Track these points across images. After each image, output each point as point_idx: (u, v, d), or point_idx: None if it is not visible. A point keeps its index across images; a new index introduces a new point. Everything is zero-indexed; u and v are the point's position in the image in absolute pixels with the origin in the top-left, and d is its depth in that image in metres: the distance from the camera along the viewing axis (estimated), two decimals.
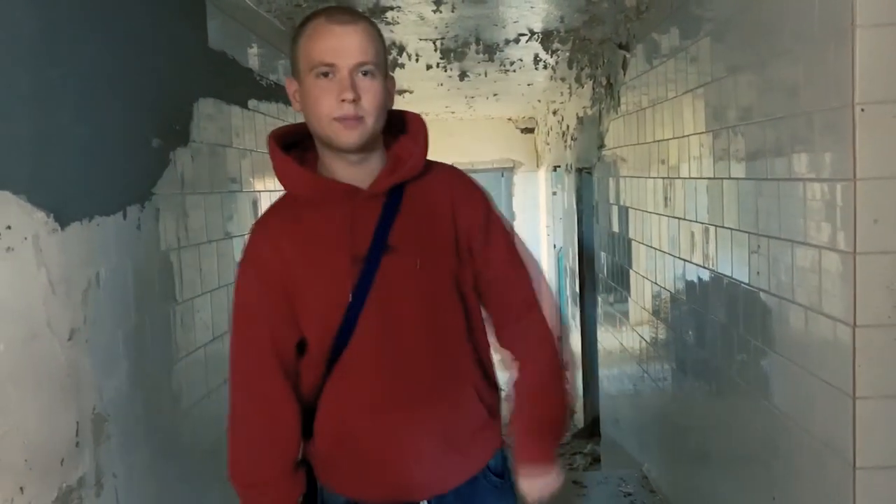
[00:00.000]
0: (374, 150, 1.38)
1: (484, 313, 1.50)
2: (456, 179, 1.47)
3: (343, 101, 1.29)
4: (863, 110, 1.58)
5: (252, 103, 2.92)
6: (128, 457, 1.82)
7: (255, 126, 2.94)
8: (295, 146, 1.44)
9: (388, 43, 3.89)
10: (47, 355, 1.52)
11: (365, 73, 1.31)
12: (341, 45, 1.29)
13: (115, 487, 1.74)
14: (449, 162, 1.54)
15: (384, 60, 1.37)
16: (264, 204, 3.02)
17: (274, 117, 3.22)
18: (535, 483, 1.47)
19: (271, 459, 1.43)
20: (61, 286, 1.57)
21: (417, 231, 1.39)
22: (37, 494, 1.45)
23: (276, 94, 3.27)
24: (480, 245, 1.44)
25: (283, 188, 1.44)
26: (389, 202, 1.38)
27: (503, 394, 1.54)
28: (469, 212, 1.44)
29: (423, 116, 1.48)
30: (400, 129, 1.45)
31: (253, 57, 2.97)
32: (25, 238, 1.45)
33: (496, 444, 1.51)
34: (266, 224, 1.44)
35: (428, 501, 1.44)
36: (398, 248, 1.37)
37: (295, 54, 1.36)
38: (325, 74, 1.30)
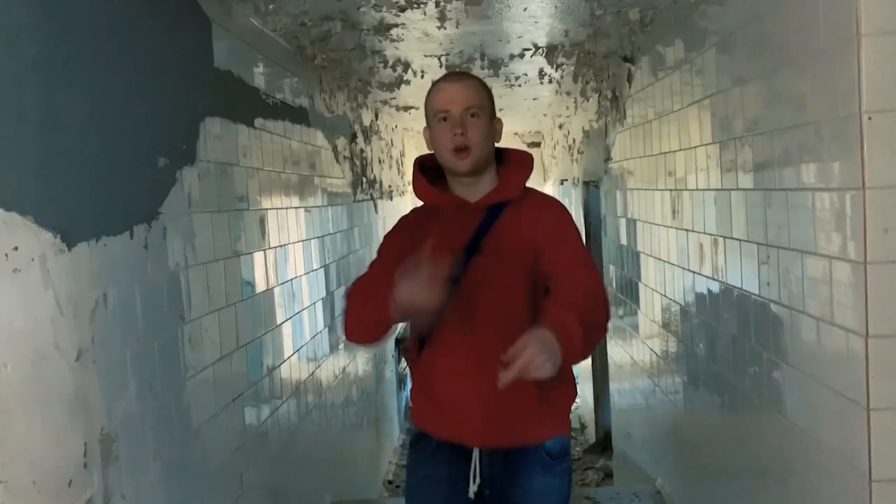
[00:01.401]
0: (483, 174, 1.86)
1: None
2: (549, 204, 1.93)
3: (455, 134, 1.77)
4: (870, 119, 1.57)
5: (259, 122, 2.93)
6: (137, 478, 1.81)
7: (261, 145, 2.95)
8: (437, 169, 1.91)
9: (392, 60, 3.92)
10: (55, 376, 1.52)
11: (472, 115, 1.79)
12: (453, 96, 1.79)
13: None
14: None
15: (489, 106, 1.84)
16: (272, 222, 3.03)
17: (281, 135, 3.23)
18: (537, 348, 1.52)
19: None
20: (69, 307, 1.57)
21: (505, 241, 1.82)
22: None
23: (283, 112, 3.29)
24: (556, 252, 1.81)
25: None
26: (489, 216, 1.84)
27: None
28: (549, 228, 1.84)
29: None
30: (515, 161, 1.91)
31: (259, 76, 2.99)
32: (32, 259, 1.46)
33: (559, 431, 1.88)
34: (406, 216, 1.99)
35: (480, 450, 1.83)
36: (486, 251, 1.81)
37: (426, 109, 1.87)
38: (444, 119, 1.80)
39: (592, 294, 1.76)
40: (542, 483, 1.84)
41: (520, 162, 1.92)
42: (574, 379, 1.95)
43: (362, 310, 1.78)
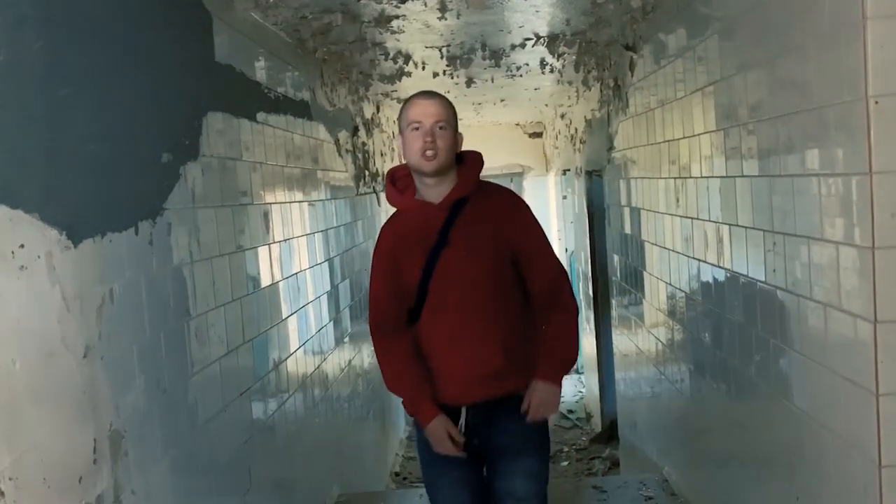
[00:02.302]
0: (445, 176, 2.17)
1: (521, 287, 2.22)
2: (503, 195, 2.28)
3: (426, 141, 2.11)
4: (877, 103, 1.56)
5: (261, 116, 2.93)
6: (146, 473, 1.81)
7: (264, 139, 2.95)
8: (405, 178, 2.25)
9: (393, 52, 3.91)
10: (63, 373, 1.52)
11: (440, 128, 2.13)
12: (426, 111, 2.14)
13: None
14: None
15: (454, 122, 2.19)
16: (276, 216, 3.03)
17: (283, 129, 3.23)
18: (541, 397, 2.17)
19: (414, 368, 2.25)
20: (75, 303, 1.57)
21: (468, 232, 2.16)
22: None
23: (285, 106, 3.28)
24: (519, 241, 2.20)
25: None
26: (451, 213, 2.17)
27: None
28: (511, 220, 2.21)
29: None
30: (469, 162, 2.23)
31: (260, 70, 2.98)
32: (39, 256, 1.46)
33: (525, 382, 2.21)
34: (386, 225, 2.31)
35: (466, 406, 2.20)
36: (453, 243, 2.16)
37: (400, 121, 2.20)
38: (417, 128, 2.13)
39: (562, 300, 2.26)
40: (520, 425, 2.20)
41: (472, 161, 2.25)
42: (528, 331, 2.27)
43: (400, 389, 2.29)
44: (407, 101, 2.22)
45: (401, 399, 2.30)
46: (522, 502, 2.24)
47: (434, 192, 2.18)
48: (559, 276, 2.28)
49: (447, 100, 2.22)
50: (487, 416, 2.21)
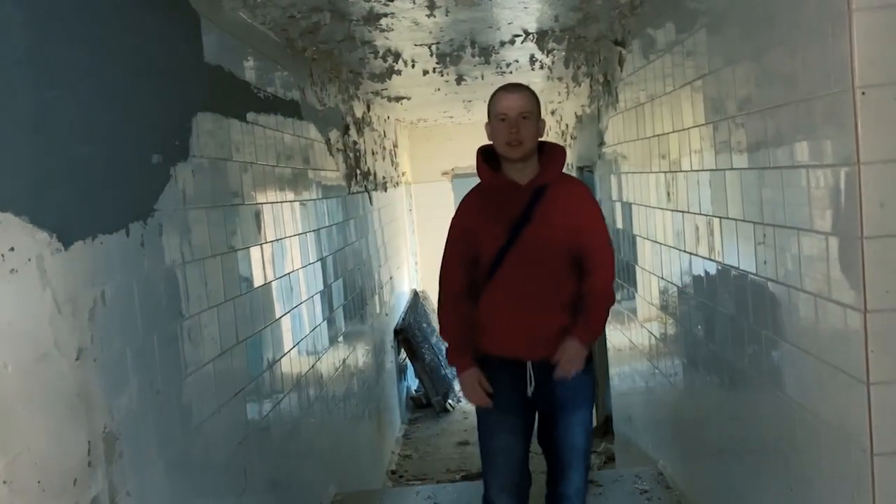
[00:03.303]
0: (529, 161, 2.47)
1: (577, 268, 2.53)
2: (578, 189, 2.61)
3: (511, 132, 2.40)
4: (864, 94, 1.57)
5: (251, 116, 2.92)
6: (141, 474, 1.81)
7: (254, 139, 2.94)
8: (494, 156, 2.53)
9: (382, 50, 3.90)
10: (56, 376, 1.52)
11: (524, 118, 2.41)
12: (511, 104, 2.43)
13: None
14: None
15: (537, 111, 2.47)
16: (267, 216, 3.02)
17: (273, 129, 3.22)
18: (569, 353, 2.45)
19: (463, 328, 2.57)
20: (67, 306, 1.56)
21: (549, 213, 2.46)
22: None
23: (275, 106, 3.28)
24: (585, 228, 2.51)
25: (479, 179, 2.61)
26: (535, 194, 2.47)
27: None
28: (580, 211, 2.53)
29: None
30: (553, 153, 2.55)
31: (250, 70, 2.97)
32: (29, 259, 1.45)
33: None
34: (468, 196, 2.61)
35: (532, 362, 2.50)
36: (534, 221, 2.46)
37: (489, 110, 2.49)
38: (503, 119, 2.42)
39: (606, 279, 2.56)
40: (576, 381, 2.49)
41: (556, 153, 2.56)
42: None
43: (448, 349, 2.62)
44: (495, 93, 2.50)
45: (449, 361, 2.66)
46: (575, 450, 2.55)
47: (519, 174, 2.48)
48: (608, 261, 2.59)
49: (531, 91, 2.48)
50: (548, 373, 2.47)
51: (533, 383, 2.49)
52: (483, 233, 2.49)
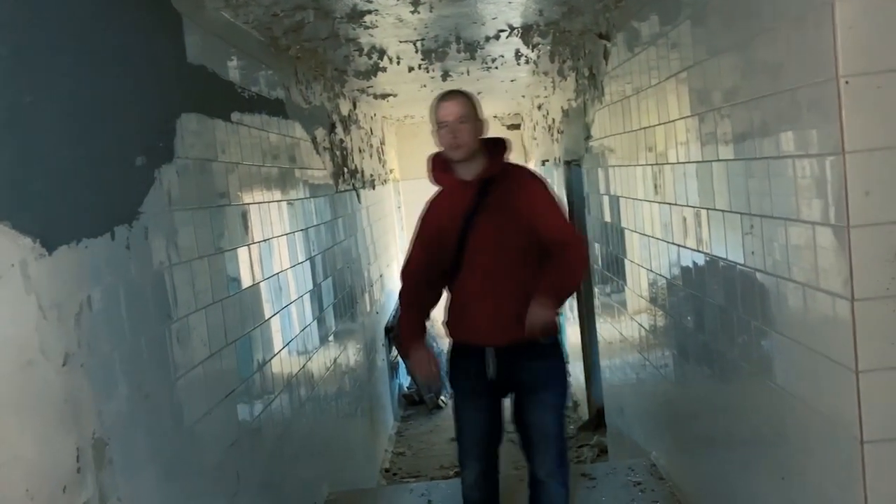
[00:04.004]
0: (474, 159, 2.67)
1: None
2: (524, 174, 2.80)
3: (452, 137, 2.61)
4: (847, 83, 1.57)
5: (235, 116, 2.90)
6: (132, 480, 1.80)
7: (239, 139, 2.92)
8: (446, 161, 2.73)
9: (367, 48, 3.89)
10: (43, 382, 1.50)
11: (462, 122, 2.61)
12: (449, 111, 2.63)
13: None
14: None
15: (475, 112, 2.67)
16: (254, 217, 3.01)
17: (258, 129, 3.20)
18: (533, 313, 2.49)
19: (414, 313, 2.83)
20: (52, 311, 1.55)
21: (496, 203, 2.64)
22: None
23: (260, 105, 3.26)
24: (535, 210, 2.65)
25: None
26: (482, 187, 2.66)
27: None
28: (528, 192, 2.68)
29: (508, 137, 2.84)
30: (496, 146, 2.74)
31: (233, 70, 2.95)
32: (12, 265, 1.44)
33: (546, 332, 2.57)
34: (432, 199, 2.81)
35: (494, 348, 2.65)
36: (483, 212, 2.64)
37: (431, 118, 2.69)
38: (443, 125, 2.63)
39: (570, 242, 2.65)
40: (541, 366, 2.68)
41: (499, 146, 2.74)
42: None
43: (401, 334, 2.89)
44: (434, 103, 2.70)
45: (398, 345, 3.03)
46: (544, 433, 2.68)
47: (466, 171, 2.69)
48: (565, 225, 2.72)
49: (467, 96, 2.69)
50: (510, 358, 2.65)
51: (493, 367, 2.65)
52: (442, 230, 2.69)
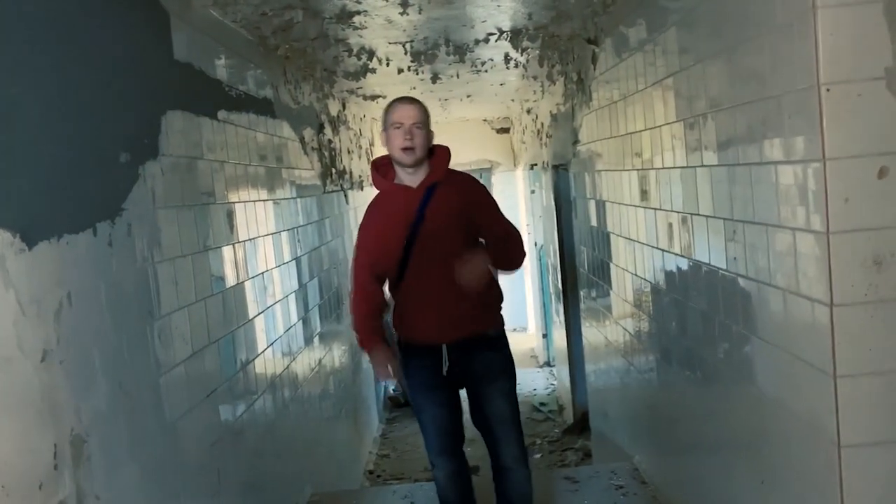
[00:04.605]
0: (420, 166, 2.74)
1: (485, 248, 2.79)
2: (466, 180, 2.87)
3: (405, 139, 2.66)
4: (828, 90, 1.59)
5: (222, 115, 2.90)
6: (111, 478, 1.78)
7: (226, 138, 2.92)
8: (386, 166, 2.81)
9: (356, 48, 3.89)
10: (20, 378, 1.49)
11: (417, 127, 2.68)
12: (406, 114, 2.69)
13: None
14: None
15: (428, 122, 2.75)
16: (240, 216, 3.00)
17: (246, 128, 3.19)
18: (477, 260, 2.69)
19: (370, 318, 2.87)
20: (31, 307, 1.54)
21: (440, 209, 2.71)
22: None
23: (247, 104, 3.25)
24: (480, 213, 2.80)
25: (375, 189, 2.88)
26: (426, 194, 2.72)
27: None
28: (472, 197, 2.81)
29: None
30: (439, 154, 2.81)
31: (221, 68, 2.95)
32: None
33: (492, 325, 2.85)
34: (370, 206, 2.87)
35: (446, 345, 2.75)
36: (428, 218, 2.70)
37: (384, 119, 2.76)
38: (398, 127, 2.68)
39: (512, 233, 2.86)
40: (492, 356, 2.81)
41: (442, 153, 2.82)
42: (499, 288, 2.88)
43: (357, 336, 2.93)
44: (390, 105, 2.75)
45: (359, 344, 2.96)
46: (503, 420, 2.80)
47: (411, 178, 2.74)
48: (508, 223, 2.88)
49: (423, 104, 2.77)
50: (463, 352, 2.76)
51: (447, 363, 2.75)
52: (386, 237, 2.74)
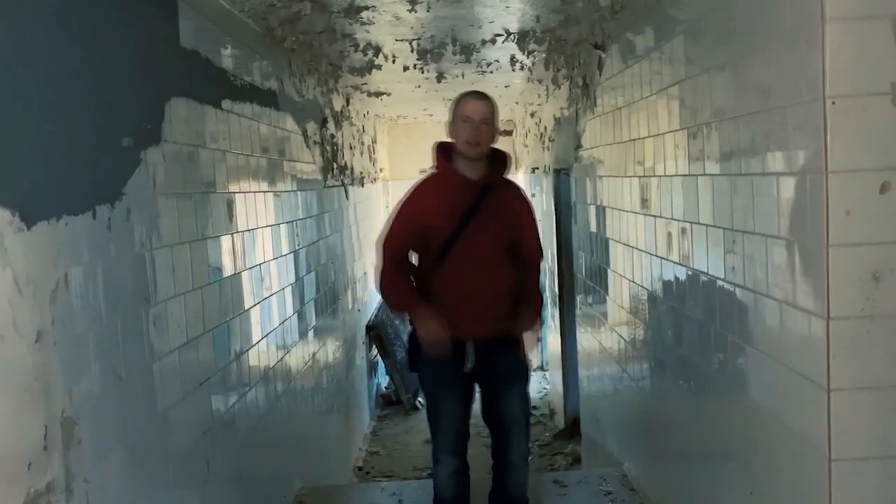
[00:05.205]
0: (482, 161, 2.84)
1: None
2: (518, 191, 3.06)
3: (473, 133, 2.77)
4: (833, 103, 1.59)
5: (226, 104, 2.89)
6: (100, 461, 1.78)
7: (229, 127, 2.91)
8: (449, 151, 2.90)
9: (363, 44, 3.89)
10: (13, 357, 1.48)
11: (485, 123, 2.79)
12: (476, 109, 2.79)
13: (87, 492, 1.70)
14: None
15: (495, 119, 2.86)
16: (240, 206, 3.00)
17: (249, 118, 3.19)
18: (532, 335, 3.04)
19: (407, 280, 2.93)
20: (28, 287, 1.53)
21: (493, 209, 2.83)
22: (2, 499, 1.42)
23: (252, 95, 3.25)
24: (521, 222, 2.95)
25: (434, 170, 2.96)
26: (484, 189, 2.83)
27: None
28: (519, 209, 2.97)
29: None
30: (499, 157, 2.94)
31: (227, 57, 2.94)
32: None
33: (517, 328, 2.95)
34: (421, 184, 2.94)
35: (474, 341, 2.84)
36: (481, 213, 2.80)
37: (453, 111, 2.87)
38: (466, 121, 2.78)
39: (537, 269, 3.05)
40: (511, 357, 2.92)
41: (503, 158, 2.94)
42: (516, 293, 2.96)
43: (395, 300, 2.99)
44: (461, 97, 2.86)
45: (399, 308, 3.03)
46: (518, 420, 2.91)
47: (470, 171, 2.83)
48: (539, 249, 3.03)
49: (493, 100, 2.85)
50: (488, 352, 2.84)
51: (471, 360, 2.83)
52: (434, 218, 2.80)
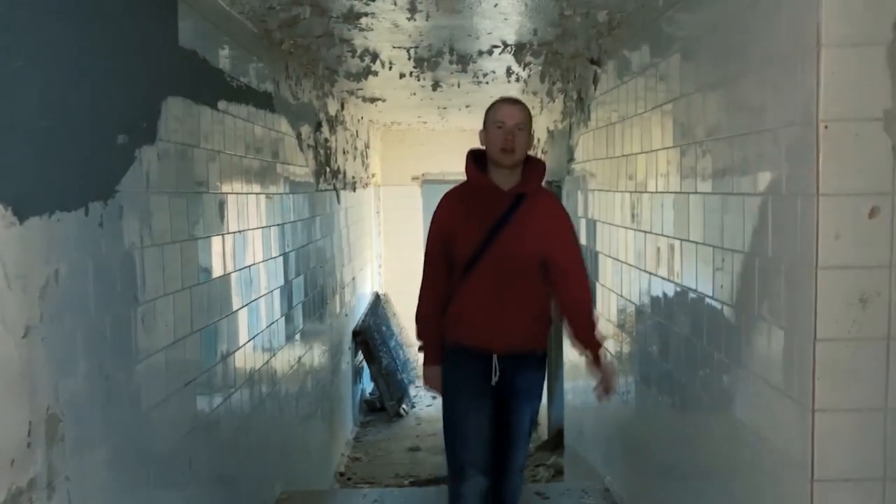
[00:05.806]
0: (515, 169, 2.71)
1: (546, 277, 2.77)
2: (553, 202, 2.89)
3: (506, 139, 2.63)
4: (826, 127, 1.61)
5: (222, 105, 2.89)
6: (83, 459, 1.77)
7: (224, 128, 2.91)
8: (481, 159, 2.77)
9: (360, 50, 3.90)
10: (0, 352, 1.47)
11: (519, 129, 2.65)
12: (510, 114, 2.66)
13: (68, 490, 1.69)
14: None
15: (530, 125, 2.72)
16: (231, 207, 2.99)
17: (244, 120, 3.19)
18: (608, 374, 2.85)
19: (437, 320, 2.83)
20: (17, 282, 1.52)
21: (524, 220, 2.69)
22: None
23: (247, 96, 3.25)
24: (555, 236, 2.75)
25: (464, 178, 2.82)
26: (516, 200, 2.70)
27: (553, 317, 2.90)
28: (554, 222, 2.77)
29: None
30: (534, 166, 2.80)
31: (224, 58, 2.94)
32: None
33: (543, 346, 2.88)
34: (449, 195, 2.85)
35: (497, 355, 2.73)
36: (511, 224, 2.67)
37: (486, 117, 2.72)
38: (500, 127, 2.65)
39: (582, 290, 2.83)
40: (534, 375, 2.85)
41: (538, 166, 2.80)
42: (550, 316, 2.88)
43: (419, 336, 2.93)
44: (495, 103, 2.74)
45: (419, 347, 2.96)
46: (523, 433, 2.89)
47: (503, 180, 2.70)
48: (581, 275, 2.81)
49: (526, 106, 2.72)
50: (513, 366, 2.76)
51: (498, 374, 2.73)
52: (462, 229, 2.70)
